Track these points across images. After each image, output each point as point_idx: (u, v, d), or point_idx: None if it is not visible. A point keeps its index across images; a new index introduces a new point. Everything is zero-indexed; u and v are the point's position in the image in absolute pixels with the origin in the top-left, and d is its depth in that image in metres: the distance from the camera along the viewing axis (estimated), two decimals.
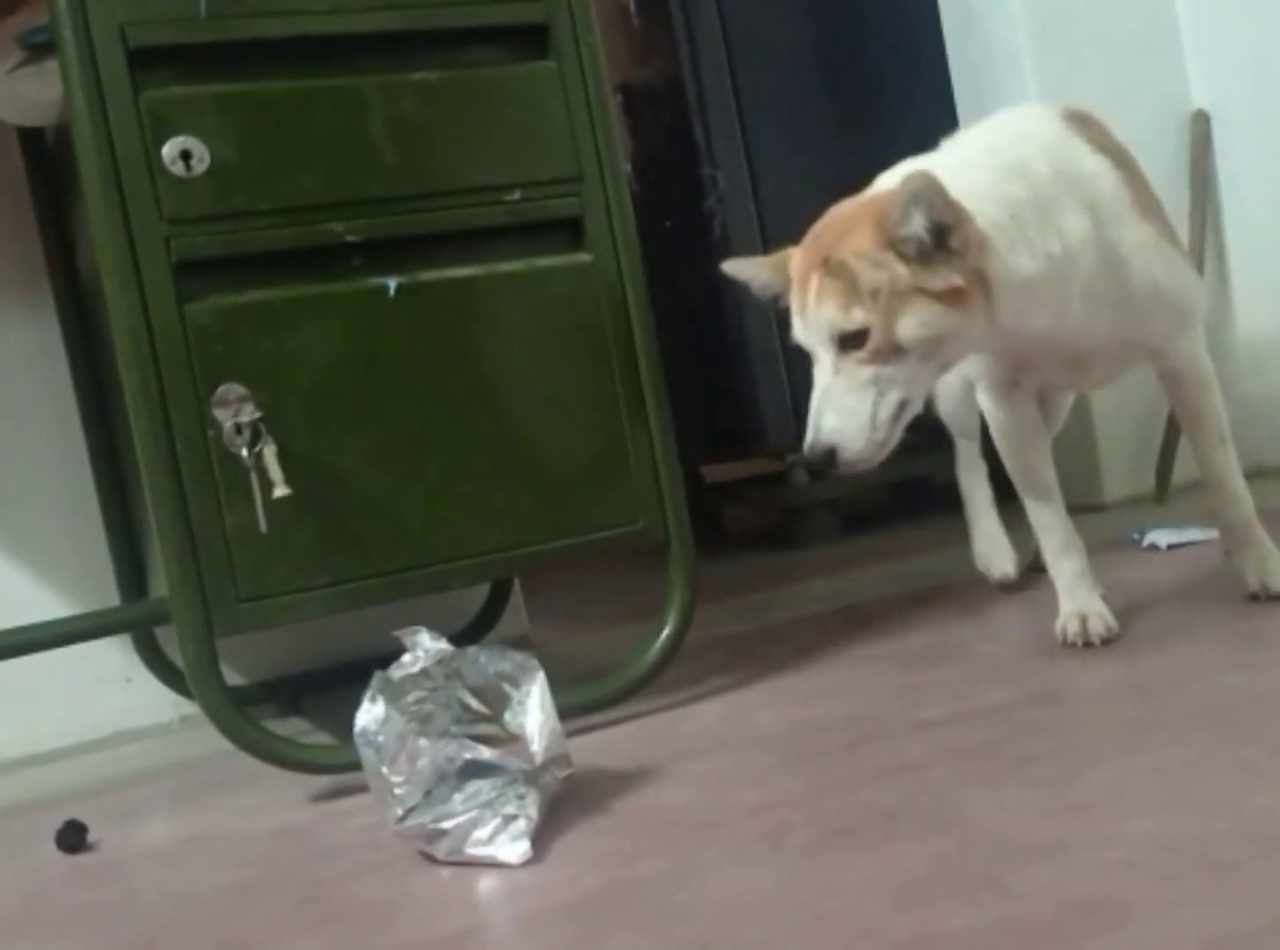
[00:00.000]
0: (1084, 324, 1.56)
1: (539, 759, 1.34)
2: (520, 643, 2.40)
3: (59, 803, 1.82)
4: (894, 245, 1.39)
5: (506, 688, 1.37)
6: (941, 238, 1.39)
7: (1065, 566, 1.73)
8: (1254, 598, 1.68)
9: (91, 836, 1.59)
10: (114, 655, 2.20)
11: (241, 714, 1.62)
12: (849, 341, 1.41)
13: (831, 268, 1.42)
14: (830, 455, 1.41)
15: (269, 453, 1.56)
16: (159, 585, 1.76)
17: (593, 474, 1.73)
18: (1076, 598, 1.70)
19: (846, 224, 1.45)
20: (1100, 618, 1.66)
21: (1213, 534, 2.15)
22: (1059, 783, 1.22)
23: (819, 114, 3.03)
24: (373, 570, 1.65)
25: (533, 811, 1.30)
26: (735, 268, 1.58)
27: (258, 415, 1.57)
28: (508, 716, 1.36)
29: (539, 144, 1.71)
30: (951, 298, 1.41)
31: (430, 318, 1.66)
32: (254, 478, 1.56)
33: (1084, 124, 1.61)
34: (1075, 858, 1.03)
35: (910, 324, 1.40)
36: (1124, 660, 1.57)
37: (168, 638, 2.06)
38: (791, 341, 1.51)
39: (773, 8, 3.18)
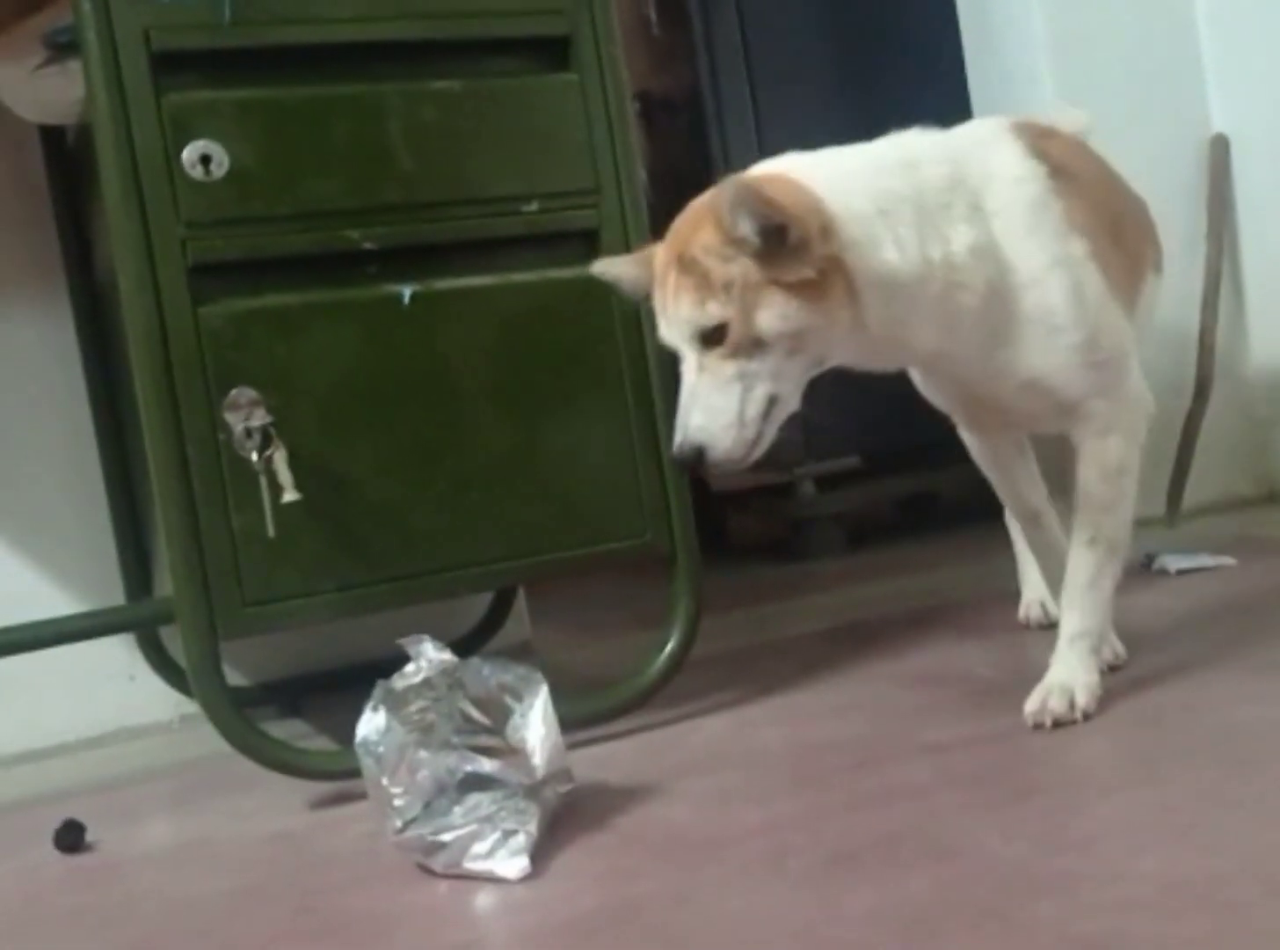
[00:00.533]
0: (978, 354, 1.47)
1: (540, 773, 1.34)
2: (523, 650, 2.40)
3: (58, 800, 1.82)
4: (738, 244, 1.34)
5: (509, 700, 1.37)
6: (779, 235, 1.33)
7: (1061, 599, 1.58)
8: (1038, 726, 1.44)
9: (90, 837, 1.59)
10: (117, 653, 2.19)
11: (242, 717, 1.62)
12: (709, 337, 1.36)
13: (685, 264, 1.37)
14: (699, 454, 1.36)
15: (279, 457, 1.56)
16: (164, 584, 1.75)
17: (601, 485, 1.73)
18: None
19: (696, 219, 1.40)
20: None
21: (1224, 559, 2.14)
22: (1064, 814, 1.21)
23: (837, 125, 3.00)
24: (379, 576, 1.65)
25: (532, 827, 1.30)
26: (604, 267, 1.53)
27: (269, 420, 1.57)
28: (509, 729, 1.36)
29: (558, 155, 1.71)
30: (809, 290, 1.35)
31: (444, 326, 1.66)
32: (263, 482, 1.56)
33: (1034, 133, 1.53)
34: (1079, 893, 1.03)
35: (767, 316, 1.35)
36: (1132, 690, 1.55)
37: (172, 636, 2.06)
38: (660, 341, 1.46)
39: (793, 19, 3.18)
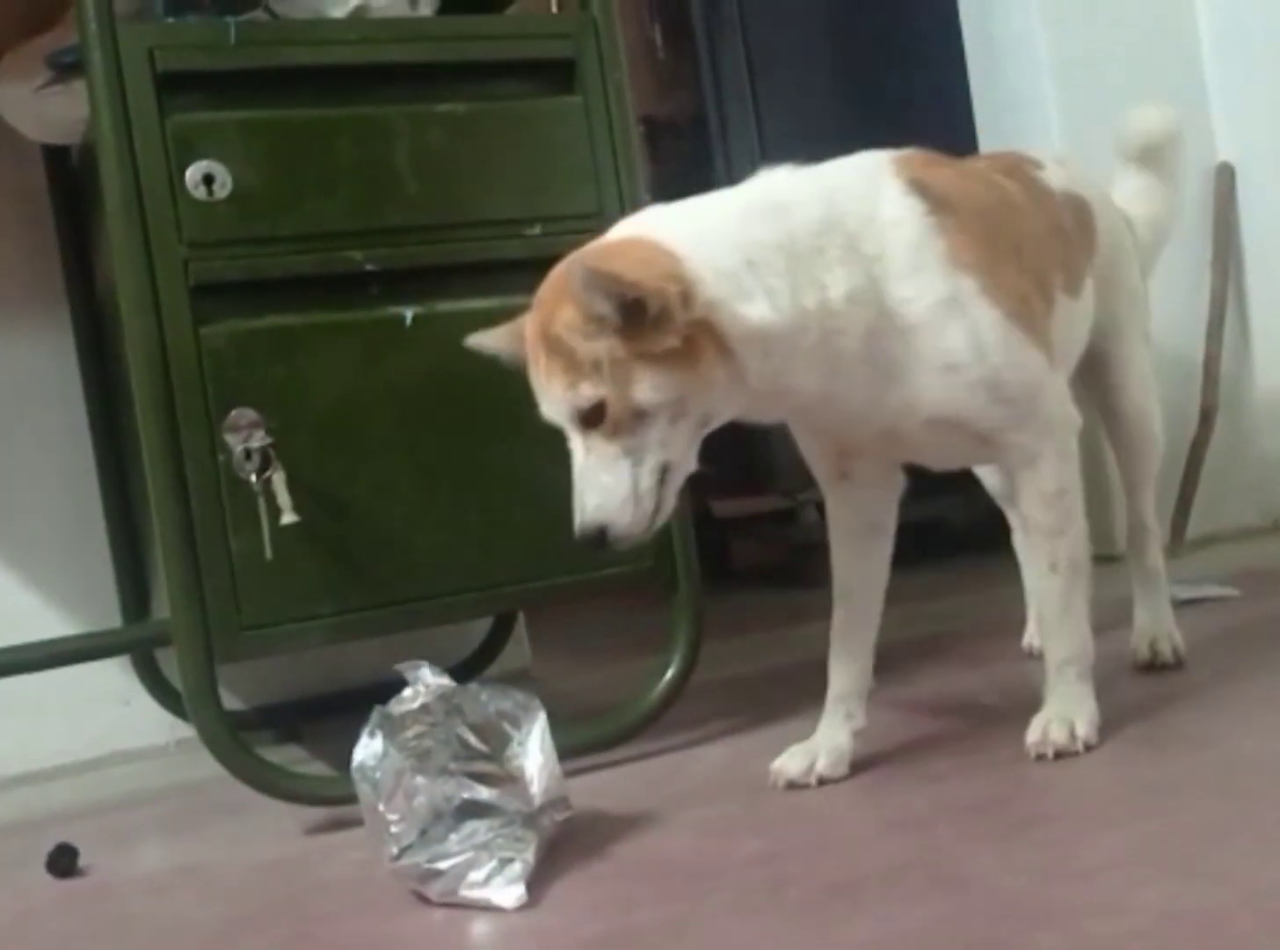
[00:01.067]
0: (870, 394, 1.41)
1: (537, 801, 1.33)
2: (522, 676, 2.39)
3: (52, 823, 1.81)
4: (599, 321, 1.29)
5: (507, 727, 1.36)
6: (637, 309, 1.28)
7: (831, 689, 1.57)
8: (1040, 757, 1.44)
9: (83, 861, 1.58)
10: (113, 676, 2.18)
11: (238, 742, 1.61)
12: (589, 418, 1.32)
13: (551, 344, 1.32)
14: (601, 534, 1.32)
15: (278, 479, 1.55)
16: (161, 607, 1.75)
17: None
18: (824, 732, 1.54)
19: (556, 294, 1.34)
20: (834, 754, 1.50)
21: (1229, 590, 2.13)
22: (1066, 845, 1.20)
23: (841, 149, 3.02)
24: (378, 600, 1.64)
25: (529, 855, 1.29)
26: (478, 341, 1.46)
27: (268, 441, 1.56)
28: (507, 756, 1.35)
29: (561, 179, 1.71)
30: (679, 357, 1.30)
31: (445, 349, 1.65)
32: (262, 504, 1.55)
33: (917, 166, 1.46)
34: (1080, 925, 1.02)
35: (643, 390, 1.30)
36: (1135, 720, 1.54)
37: (168, 660, 2.04)
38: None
39: (797, 43, 3.19)
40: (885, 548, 1.59)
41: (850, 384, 1.40)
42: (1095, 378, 1.83)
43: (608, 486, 1.32)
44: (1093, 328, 1.77)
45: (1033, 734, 1.45)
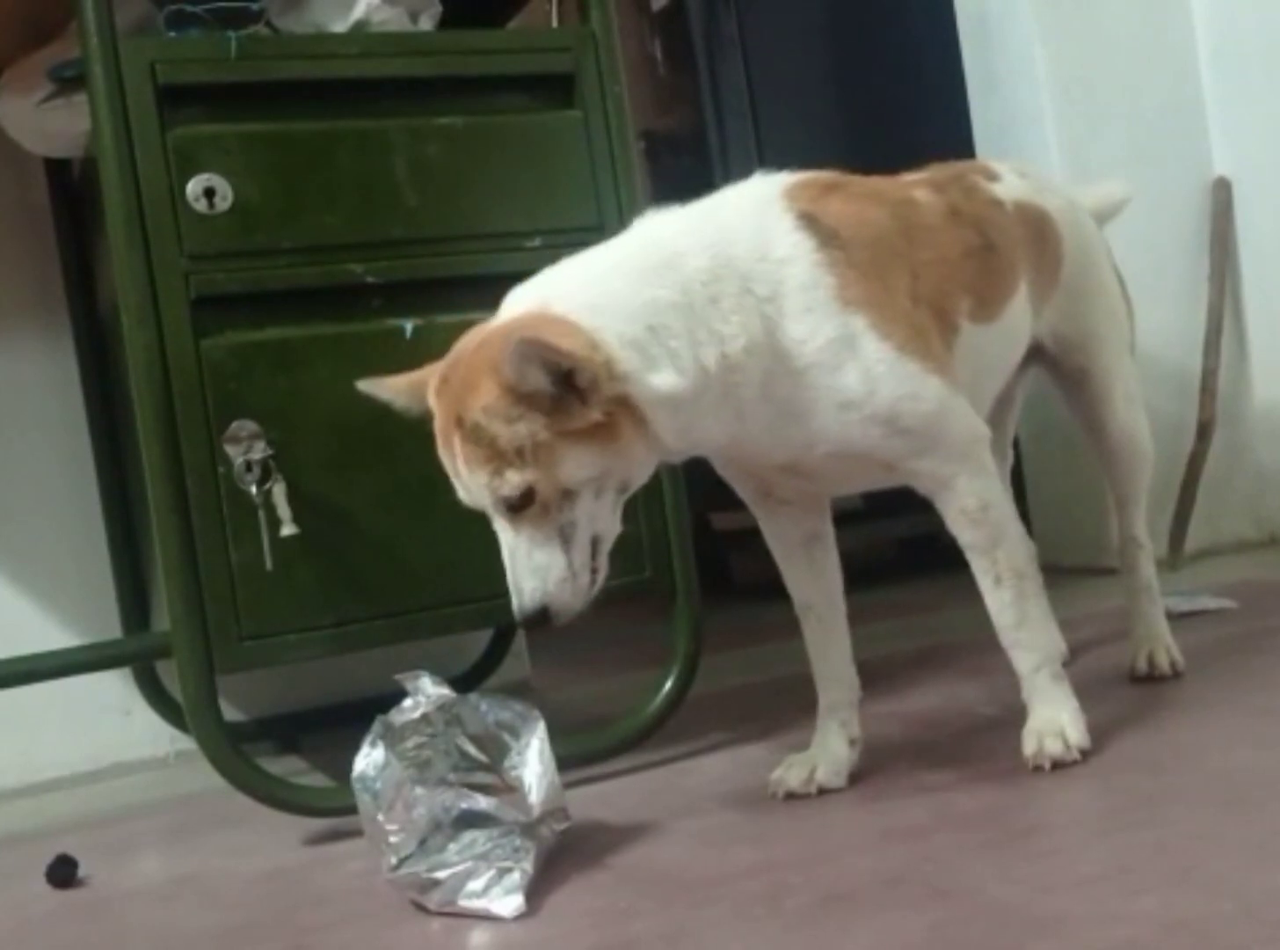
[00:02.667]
0: (774, 434, 1.41)
1: (536, 811, 1.33)
2: (522, 687, 2.39)
3: (52, 834, 1.81)
4: (524, 399, 1.27)
5: (506, 737, 1.36)
6: (568, 380, 1.26)
7: (821, 701, 1.57)
8: (1037, 769, 1.44)
9: (82, 872, 1.58)
10: (114, 687, 2.19)
11: (238, 753, 1.61)
12: (518, 504, 1.29)
13: (469, 432, 1.29)
14: (544, 614, 1.31)
15: (278, 490, 1.56)
16: (162, 619, 1.75)
17: None
18: (820, 743, 1.54)
19: (471, 376, 1.30)
20: (833, 764, 1.51)
21: (1225, 602, 2.14)
22: (1063, 855, 1.20)
23: (841, 165, 3.04)
24: (377, 612, 1.65)
25: (528, 865, 1.29)
26: (371, 387, 1.44)
27: (269, 453, 1.57)
28: (506, 766, 1.35)
29: (561, 192, 1.72)
30: (600, 433, 1.29)
31: None
32: (262, 515, 1.56)
33: (811, 195, 1.43)
34: (1077, 934, 1.02)
35: (569, 469, 1.29)
36: (1131, 731, 1.55)
37: (168, 671, 2.05)
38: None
39: (797, 58, 3.21)
40: (829, 554, 1.58)
41: (754, 427, 1.40)
42: (1075, 393, 1.80)
43: (543, 567, 1.31)
44: (1065, 342, 1.75)
45: (1028, 746, 1.45)
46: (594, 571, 1.34)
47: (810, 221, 1.40)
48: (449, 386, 1.32)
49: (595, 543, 1.34)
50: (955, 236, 1.53)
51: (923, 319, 1.44)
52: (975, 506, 1.45)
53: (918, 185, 1.59)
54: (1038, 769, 1.43)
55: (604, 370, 1.27)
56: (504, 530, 1.33)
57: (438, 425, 1.34)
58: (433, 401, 1.34)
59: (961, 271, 1.52)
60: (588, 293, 1.34)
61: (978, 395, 1.60)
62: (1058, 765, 1.42)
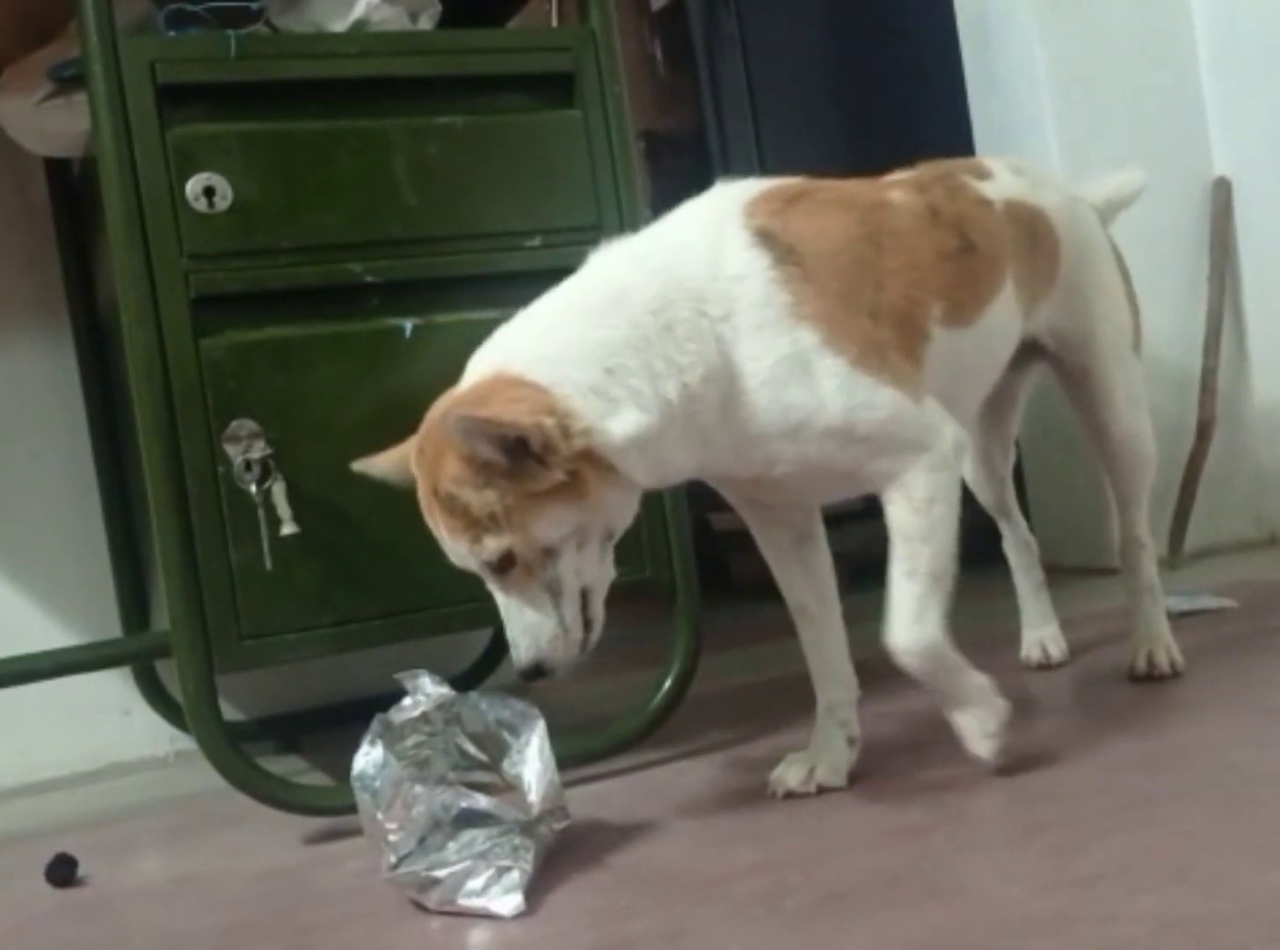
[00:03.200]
0: (737, 454, 1.40)
1: (536, 810, 1.33)
2: (521, 687, 2.38)
3: (52, 834, 1.80)
4: (484, 469, 1.28)
5: (506, 736, 1.37)
6: (521, 448, 1.27)
7: (820, 701, 1.57)
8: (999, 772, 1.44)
9: (82, 871, 1.58)
10: (113, 687, 2.19)
11: (238, 753, 1.61)
12: (501, 566, 1.31)
13: (443, 501, 1.31)
14: (540, 669, 1.34)
15: (278, 490, 1.56)
16: (162, 618, 1.75)
17: None
18: (819, 742, 1.54)
19: (438, 449, 1.32)
20: (832, 763, 1.51)
21: (1225, 602, 2.14)
22: (1062, 854, 1.20)
23: (840, 164, 3.03)
24: (377, 611, 1.65)
25: (527, 863, 1.29)
26: (364, 467, 1.46)
27: (268, 452, 1.57)
28: (506, 765, 1.36)
29: (560, 192, 1.72)
30: (567, 490, 1.30)
31: (445, 360, 1.65)
32: (262, 514, 1.56)
33: (771, 207, 1.41)
34: (1077, 934, 1.02)
35: (542, 529, 1.30)
36: (1131, 730, 1.55)
37: (168, 671, 2.05)
38: None
39: (797, 58, 3.21)
40: (821, 554, 1.58)
41: (718, 451, 1.40)
42: (1076, 393, 1.79)
43: (535, 624, 1.33)
44: (1065, 341, 1.74)
45: (975, 744, 1.44)
46: (588, 623, 1.36)
47: (766, 238, 1.39)
48: (424, 457, 1.35)
49: (586, 594, 1.35)
50: (930, 240, 1.51)
51: (883, 335, 1.42)
52: (923, 497, 1.42)
53: (897, 186, 1.56)
54: (989, 758, 1.43)
55: (556, 431, 1.28)
56: (495, 591, 1.35)
57: (420, 495, 1.36)
58: (415, 472, 1.36)
59: (935, 276, 1.49)
60: (541, 345, 1.34)
61: (960, 399, 1.58)
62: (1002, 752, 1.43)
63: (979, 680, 1.46)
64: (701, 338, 1.35)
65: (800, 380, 1.36)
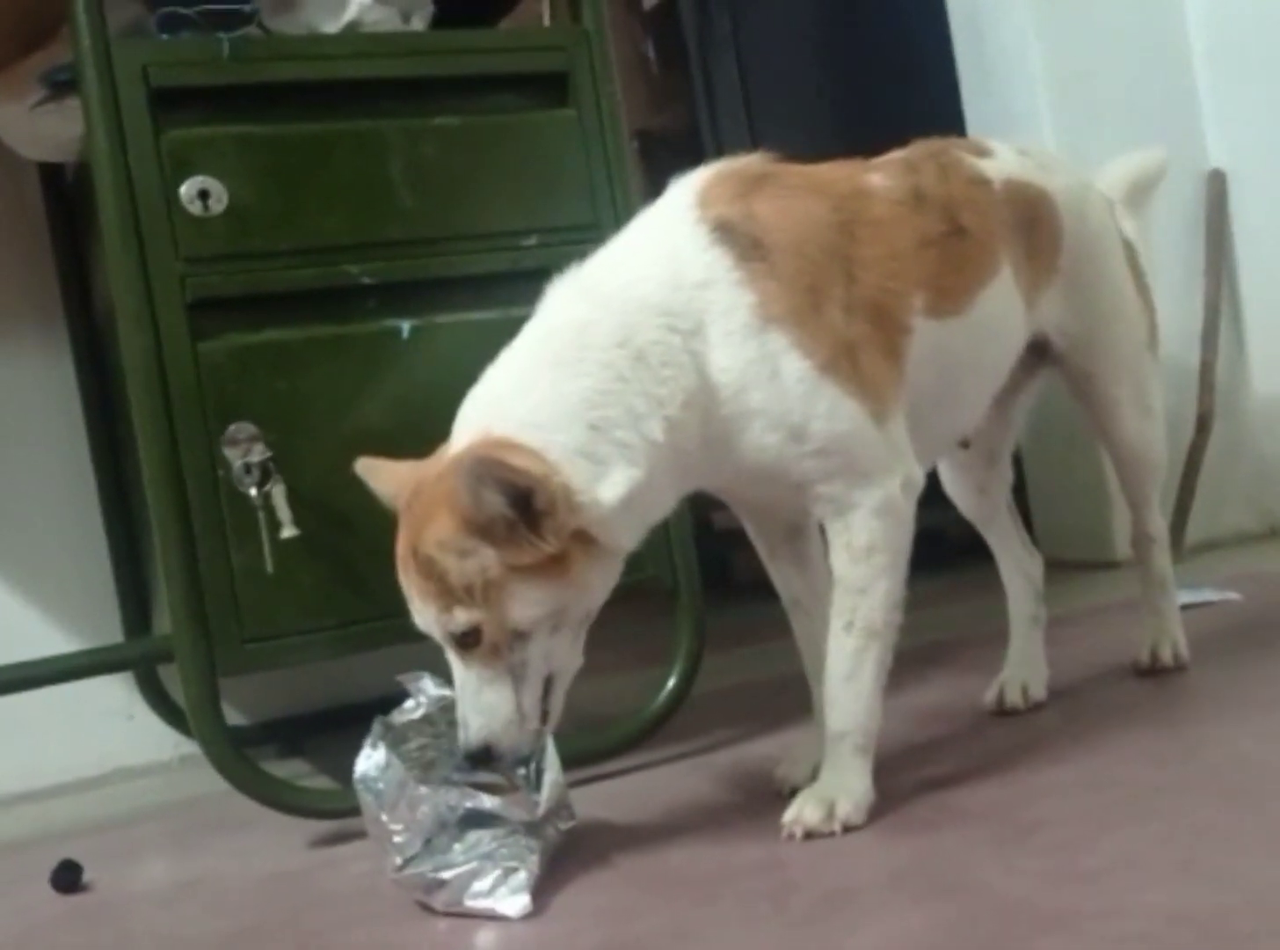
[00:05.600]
0: (713, 466, 1.37)
1: (541, 810, 1.33)
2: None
3: (56, 840, 1.80)
4: (478, 531, 1.22)
5: None
6: (526, 503, 1.22)
7: (815, 694, 1.51)
8: (790, 837, 1.33)
9: (87, 877, 1.58)
10: (116, 692, 2.19)
11: (241, 756, 1.61)
12: (465, 641, 1.26)
13: (422, 564, 1.25)
14: (488, 753, 1.27)
15: (278, 493, 1.56)
16: (163, 622, 1.75)
17: None
18: (821, 738, 1.45)
19: (429, 505, 1.26)
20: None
21: (1228, 595, 2.13)
22: (1069, 849, 1.19)
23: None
24: (379, 613, 1.64)
25: (533, 864, 1.29)
26: (363, 468, 1.41)
27: (268, 455, 1.57)
28: None
29: (556, 191, 1.72)
30: (552, 568, 1.24)
31: (443, 361, 1.66)
32: (262, 517, 1.55)
33: (730, 196, 1.36)
34: (1085, 929, 1.01)
35: (520, 608, 1.24)
36: (1136, 724, 1.54)
37: (170, 675, 2.05)
38: None
39: (791, 56, 3.20)
40: (813, 549, 1.53)
41: (697, 473, 1.37)
42: (1081, 397, 1.71)
43: (491, 707, 1.27)
44: (1070, 339, 1.65)
45: (788, 812, 1.35)
46: (545, 712, 1.30)
47: (726, 232, 1.33)
48: (410, 514, 1.29)
49: (549, 682, 1.29)
50: (911, 226, 1.44)
51: (856, 332, 1.36)
52: (862, 545, 1.36)
53: (881, 168, 1.50)
54: (790, 837, 1.32)
55: (562, 494, 1.23)
56: (455, 664, 1.29)
57: (398, 549, 1.30)
58: (400, 519, 1.31)
59: (915, 265, 1.43)
60: (521, 406, 1.28)
61: (961, 394, 1.54)
62: (811, 835, 1.32)
63: (867, 774, 1.38)
64: (675, 360, 1.30)
65: (769, 383, 1.32)
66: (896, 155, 1.55)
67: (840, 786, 1.35)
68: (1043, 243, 1.60)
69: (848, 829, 1.32)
